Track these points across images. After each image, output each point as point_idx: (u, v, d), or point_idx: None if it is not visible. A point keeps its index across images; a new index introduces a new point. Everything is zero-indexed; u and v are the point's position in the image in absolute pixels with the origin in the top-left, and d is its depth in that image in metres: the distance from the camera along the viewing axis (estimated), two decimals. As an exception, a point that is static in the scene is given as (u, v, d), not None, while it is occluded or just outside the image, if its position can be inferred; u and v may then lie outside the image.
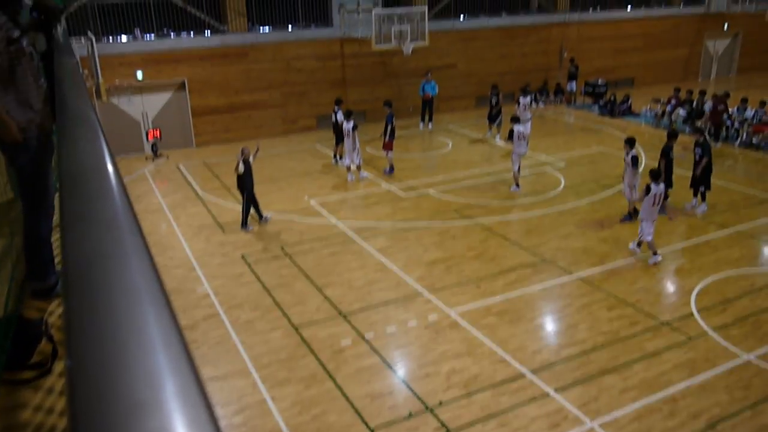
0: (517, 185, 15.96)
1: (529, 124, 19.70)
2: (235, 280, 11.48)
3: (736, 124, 20.09)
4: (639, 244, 12.01)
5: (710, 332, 9.41)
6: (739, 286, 10.86)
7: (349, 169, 17.11)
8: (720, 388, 8.12)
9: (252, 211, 13.92)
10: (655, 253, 11.70)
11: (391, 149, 17.29)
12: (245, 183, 13.40)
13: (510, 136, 15.97)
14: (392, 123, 17.06)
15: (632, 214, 13.58)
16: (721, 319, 9.77)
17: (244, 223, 13.75)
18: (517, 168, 15.83)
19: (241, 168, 13.16)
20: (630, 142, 13.49)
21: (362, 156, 17.40)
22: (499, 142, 20.53)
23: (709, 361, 8.72)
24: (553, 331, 9.73)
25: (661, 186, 11.61)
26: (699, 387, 8.17)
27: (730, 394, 8.01)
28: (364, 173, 17.45)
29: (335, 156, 18.78)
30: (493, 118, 21.39)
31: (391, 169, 17.58)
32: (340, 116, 17.71)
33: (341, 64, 23.13)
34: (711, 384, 8.22)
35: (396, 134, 17.33)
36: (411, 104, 24.07)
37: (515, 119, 16.16)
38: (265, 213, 14.15)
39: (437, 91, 22.84)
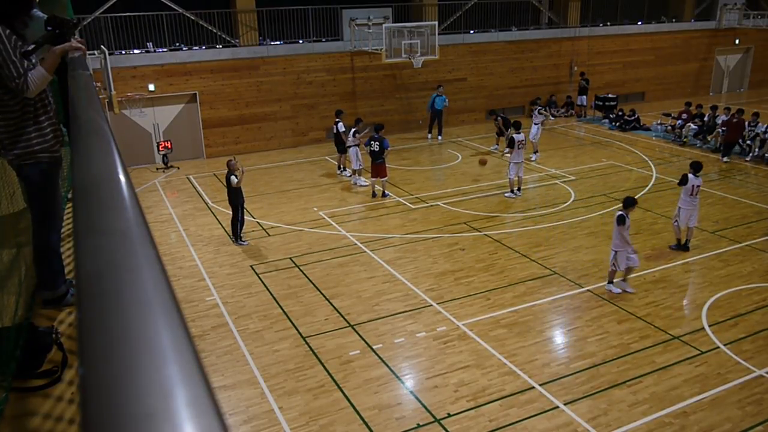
0: (512, 191, 16.45)
1: (532, 131, 19.99)
2: (244, 290, 11.50)
3: (748, 140, 19.97)
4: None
5: (722, 347, 9.33)
6: (751, 300, 10.78)
7: (355, 173, 17.63)
8: (731, 404, 8.04)
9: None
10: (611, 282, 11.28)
11: (386, 175, 16.63)
12: (239, 196, 13.40)
13: (510, 144, 16.19)
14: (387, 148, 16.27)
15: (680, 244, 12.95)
16: (732, 334, 9.68)
17: (239, 237, 13.72)
18: (513, 175, 16.17)
19: (235, 180, 13.12)
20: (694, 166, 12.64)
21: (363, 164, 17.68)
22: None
23: (720, 375, 8.63)
24: (563, 343, 9.67)
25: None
26: (710, 402, 8.09)
27: (742, 409, 7.93)
28: (362, 181, 17.59)
29: (339, 167, 18.99)
30: (500, 133, 21.40)
31: (385, 194, 16.83)
32: (341, 127, 18.04)
33: (351, 77, 23.23)
34: (722, 399, 8.14)
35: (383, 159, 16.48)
36: (421, 117, 24.16)
37: (517, 125, 16.55)
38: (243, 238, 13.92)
39: (446, 103, 22.89)
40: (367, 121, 20.56)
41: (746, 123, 19.70)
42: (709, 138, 21.36)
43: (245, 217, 14.08)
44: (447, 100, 22.87)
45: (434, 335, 9.78)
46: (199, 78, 20.91)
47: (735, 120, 19.29)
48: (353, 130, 17.37)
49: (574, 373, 8.76)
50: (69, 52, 3.56)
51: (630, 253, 10.88)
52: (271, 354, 9.35)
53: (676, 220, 12.77)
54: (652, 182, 17.56)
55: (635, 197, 11.42)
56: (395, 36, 21.89)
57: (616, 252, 10.88)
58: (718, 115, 21.32)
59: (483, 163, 18.01)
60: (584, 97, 26.40)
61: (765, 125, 19.96)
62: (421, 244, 13.47)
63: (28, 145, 3.68)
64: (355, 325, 10.14)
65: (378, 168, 16.25)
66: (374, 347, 9.46)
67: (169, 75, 20.54)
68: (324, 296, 11.17)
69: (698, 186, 12.53)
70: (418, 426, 7.71)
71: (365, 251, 13.11)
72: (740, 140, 20.11)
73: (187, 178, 19.29)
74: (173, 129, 21.17)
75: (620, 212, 10.87)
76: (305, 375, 8.80)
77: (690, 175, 12.48)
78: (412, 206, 15.94)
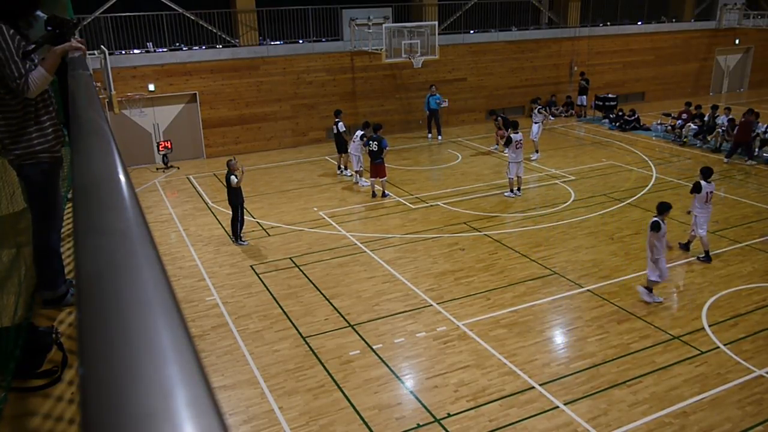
0: (512, 191, 16.48)
1: (533, 130, 20.21)
2: (244, 290, 11.50)
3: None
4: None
5: (722, 347, 9.33)
6: (751, 300, 10.77)
7: (359, 174, 17.63)
8: (731, 404, 8.04)
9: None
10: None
11: (385, 175, 16.64)
12: (239, 196, 13.42)
13: (507, 143, 16.24)
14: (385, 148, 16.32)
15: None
16: (732, 334, 9.68)
17: (239, 237, 13.74)
18: (513, 174, 16.22)
19: (235, 180, 13.12)
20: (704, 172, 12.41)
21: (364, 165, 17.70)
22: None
23: (720, 375, 8.63)
24: (563, 343, 9.67)
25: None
26: (710, 402, 8.09)
27: (742, 409, 7.93)
28: (364, 182, 17.58)
29: (339, 167, 18.99)
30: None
31: (385, 194, 16.84)
32: (341, 126, 18.07)
33: (351, 77, 23.24)
34: (722, 399, 8.14)
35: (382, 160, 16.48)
36: (420, 117, 24.17)
37: (515, 124, 16.62)
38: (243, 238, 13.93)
39: (443, 102, 22.88)
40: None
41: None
42: (709, 138, 21.36)
43: (245, 217, 14.10)
44: (444, 99, 22.88)
45: (434, 335, 9.78)
46: (199, 78, 20.91)
47: (743, 120, 19.22)
48: (361, 133, 17.15)
49: (574, 373, 8.76)
50: (69, 52, 3.56)
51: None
52: (271, 354, 9.35)
53: (693, 229, 12.48)
54: (652, 182, 17.56)
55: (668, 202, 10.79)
56: (395, 36, 21.89)
57: (658, 259, 10.55)
58: (718, 115, 21.32)
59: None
60: (584, 97, 26.41)
61: (765, 125, 19.95)
62: (421, 244, 13.47)
63: (29, 145, 3.68)
64: (355, 325, 10.14)
65: (377, 168, 16.26)
66: (374, 347, 9.46)
67: (169, 75, 20.55)
68: (324, 296, 11.17)
69: (711, 192, 12.33)
70: (418, 426, 7.71)
71: (365, 251, 13.11)
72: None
73: (187, 178, 19.29)
74: (173, 129, 21.17)
75: (655, 218, 10.53)
76: (305, 375, 8.80)
77: (702, 182, 12.23)
78: (412, 206, 15.94)
